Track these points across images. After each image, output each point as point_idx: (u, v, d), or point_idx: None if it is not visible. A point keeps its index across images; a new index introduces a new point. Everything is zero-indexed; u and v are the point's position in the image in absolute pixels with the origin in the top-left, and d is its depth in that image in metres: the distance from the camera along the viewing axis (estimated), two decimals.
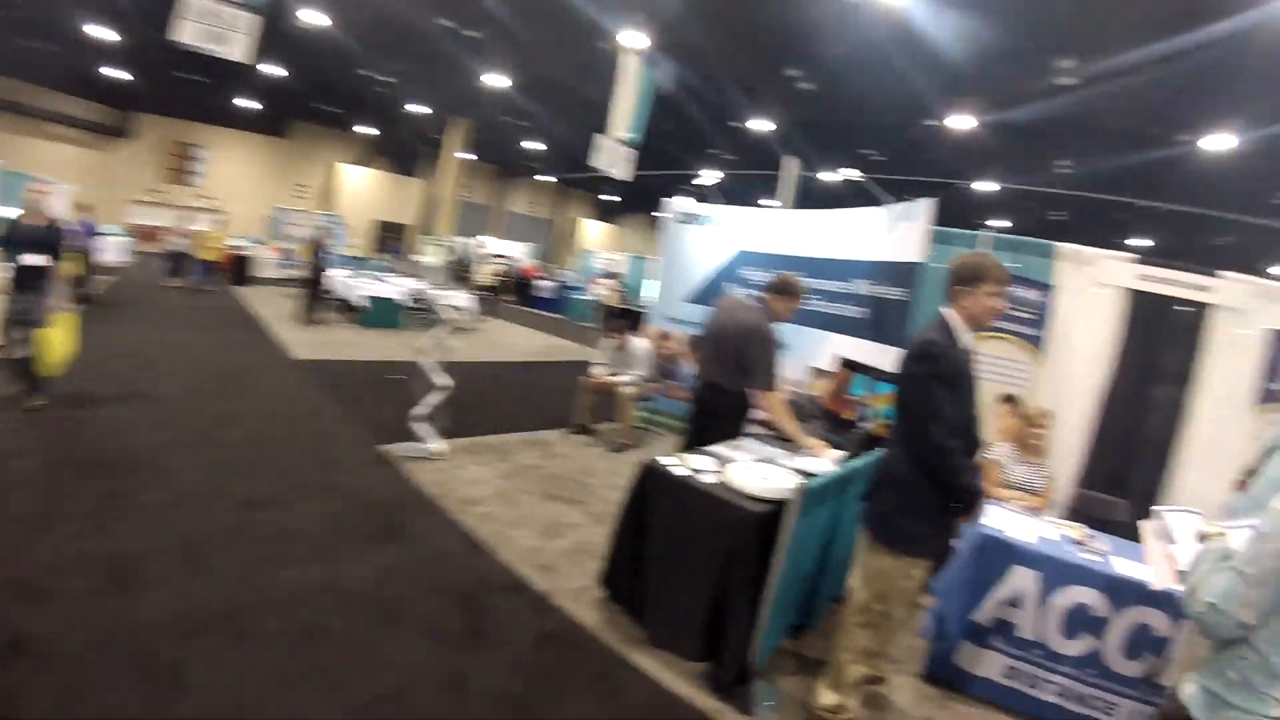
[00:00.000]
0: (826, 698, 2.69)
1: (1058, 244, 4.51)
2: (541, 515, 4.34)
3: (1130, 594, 2.87)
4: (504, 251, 25.11)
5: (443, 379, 5.00)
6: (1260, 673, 1.55)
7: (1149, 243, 19.74)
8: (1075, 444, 4.40)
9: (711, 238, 6.51)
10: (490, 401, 7.26)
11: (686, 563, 2.89)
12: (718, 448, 3.50)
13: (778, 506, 2.77)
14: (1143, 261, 4.34)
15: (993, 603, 3.03)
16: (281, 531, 3.52)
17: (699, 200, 7.19)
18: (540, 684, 2.67)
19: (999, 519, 3.20)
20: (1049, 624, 2.97)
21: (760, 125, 16.19)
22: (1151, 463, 4.25)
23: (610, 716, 2.58)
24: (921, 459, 2.39)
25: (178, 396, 5.62)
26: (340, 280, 11.89)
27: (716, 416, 3.86)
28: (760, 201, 21.06)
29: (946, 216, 4.52)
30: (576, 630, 3.10)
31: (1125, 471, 4.29)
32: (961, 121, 13.62)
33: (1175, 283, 4.28)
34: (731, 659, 2.76)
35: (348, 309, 11.54)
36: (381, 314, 11.27)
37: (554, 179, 31.51)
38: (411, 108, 21.28)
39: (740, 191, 22.39)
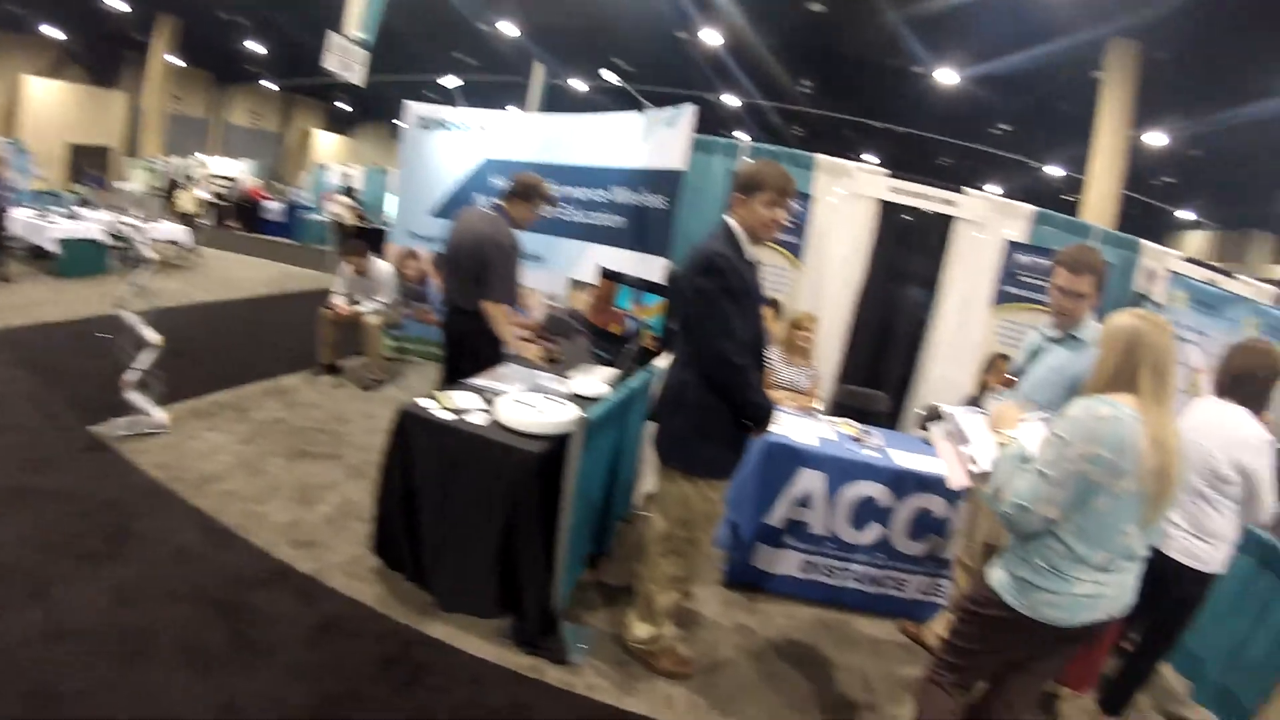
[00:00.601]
0: (640, 630, 2.62)
1: (816, 156, 4.66)
2: (294, 479, 3.77)
3: (910, 484, 3.13)
4: (225, 171, 21.15)
5: (151, 333, 4.09)
6: (1066, 559, 1.70)
7: (877, 159, 21.93)
8: (835, 344, 4.70)
9: (456, 145, 5.91)
10: (218, 350, 6.18)
11: (467, 515, 2.60)
12: (480, 380, 3.17)
13: (558, 441, 2.55)
14: (894, 176, 4.64)
15: (783, 505, 3.16)
16: None
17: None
18: (329, 686, 2.27)
19: (781, 425, 3.26)
20: (838, 519, 3.17)
21: (508, 28, 15.25)
22: (903, 357, 4.71)
23: (415, 703, 2.27)
24: (713, 379, 2.27)
25: None
26: (26, 221, 9.54)
27: (469, 343, 3.50)
28: (508, 109, 20.20)
29: (696, 129, 4.45)
30: (357, 611, 2.70)
31: (881, 366, 4.72)
32: (712, 36, 13.84)
33: (924, 196, 4.64)
34: (534, 609, 2.57)
35: (40, 256, 9.35)
36: (80, 259, 9.15)
37: (280, 86, 27.25)
38: (109, 3, 17.43)
39: (486, 99, 21.20)
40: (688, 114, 4.25)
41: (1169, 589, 2.51)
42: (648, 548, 2.58)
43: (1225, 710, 3.06)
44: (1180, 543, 2.50)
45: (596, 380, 3.26)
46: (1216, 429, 2.48)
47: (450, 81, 20.92)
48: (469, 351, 3.47)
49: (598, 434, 2.68)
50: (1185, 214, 21.25)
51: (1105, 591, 1.72)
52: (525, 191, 3.52)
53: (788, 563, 3.25)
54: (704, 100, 18.98)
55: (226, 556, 2.95)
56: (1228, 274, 4.95)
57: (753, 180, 2.29)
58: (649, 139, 4.66)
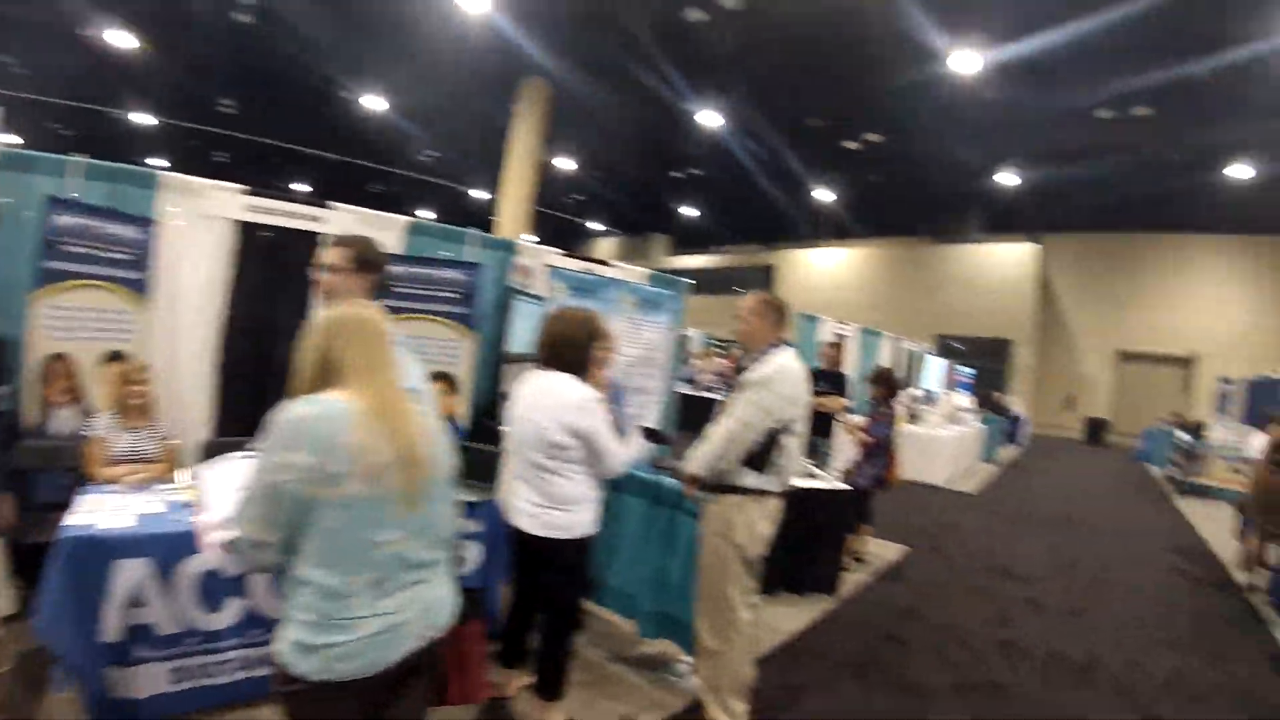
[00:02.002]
0: None
1: (160, 173, 3.91)
2: None
3: None
4: None
5: None
6: (331, 602, 1.42)
7: (308, 188, 20.80)
8: (200, 391, 4.02)
9: None
10: None
11: None
12: None
13: None
14: (253, 193, 4.16)
15: (113, 613, 2.41)
16: None
17: None
18: None
19: (85, 513, 2.57)
20: (186, 606, 2.55)
21: None
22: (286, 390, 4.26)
23: None
24: None
25: None
26: None
27: None
28: None
29: (99, 150, 3.57)
30: None
31: (262, 405, 4.17)
32: (122, 39, 11.67)
33: (288, 214, 4.27)
34: None
35: None
36: None
37: None
38: None
39: None
40: None
41: (545, 564, 2.59)
42: None
43: (671, 633, 3.43)
44: (540, 519, 2.56)
45: None
46: (543, 400, 2.56)
47: None
48: None
49: None
50: (597, 225, 26.16)
51: (402, 618, 1.49)
52: None
53: (153, 679, 2.53)
54: (110, 116, 15.78)
55: None
56: (603, 263, 5.82)
57: None
58: None
